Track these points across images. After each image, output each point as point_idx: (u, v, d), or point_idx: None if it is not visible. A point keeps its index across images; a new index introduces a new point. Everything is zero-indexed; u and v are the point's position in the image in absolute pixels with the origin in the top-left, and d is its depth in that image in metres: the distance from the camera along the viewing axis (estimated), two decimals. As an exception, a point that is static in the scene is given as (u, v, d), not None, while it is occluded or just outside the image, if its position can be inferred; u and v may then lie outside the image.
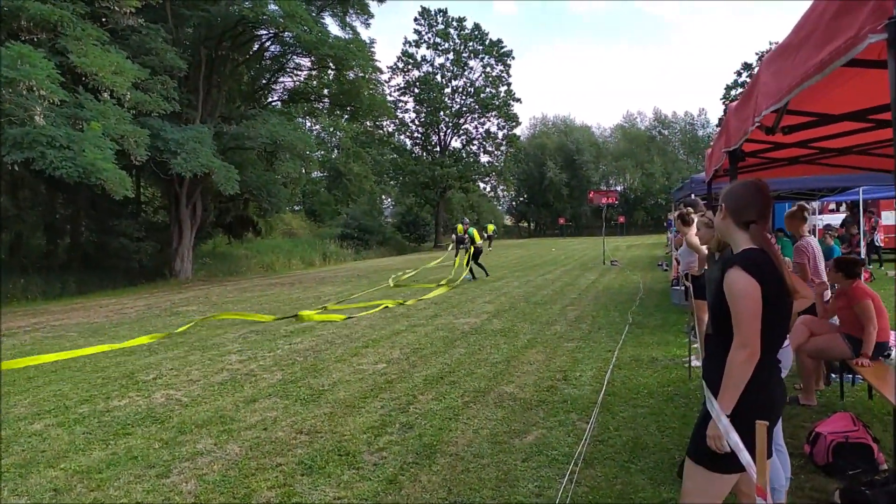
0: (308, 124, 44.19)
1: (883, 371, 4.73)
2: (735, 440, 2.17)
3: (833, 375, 5.89)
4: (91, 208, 23.43)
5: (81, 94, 15.58)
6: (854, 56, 1.38)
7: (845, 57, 1.41)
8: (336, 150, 54.78)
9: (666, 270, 17.71)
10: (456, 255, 19.86)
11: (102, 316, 13.41)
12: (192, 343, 9.43)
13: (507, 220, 76.59)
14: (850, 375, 5.67)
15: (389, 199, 63.91)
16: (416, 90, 51.95)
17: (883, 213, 17.32)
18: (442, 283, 16.93)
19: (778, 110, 2.20)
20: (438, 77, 52.54)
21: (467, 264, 18.23)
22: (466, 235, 18.36)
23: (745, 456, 2.14)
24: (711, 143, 5.36)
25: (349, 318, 11.37)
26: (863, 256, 12.15)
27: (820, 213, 17.33)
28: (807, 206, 6.06)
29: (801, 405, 5.16)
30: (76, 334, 10.84)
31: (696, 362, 6.47)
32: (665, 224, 38.77)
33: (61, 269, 21.59)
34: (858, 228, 13.76)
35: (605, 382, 6.18)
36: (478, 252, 18.37)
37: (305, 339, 9.34)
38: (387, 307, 12.68)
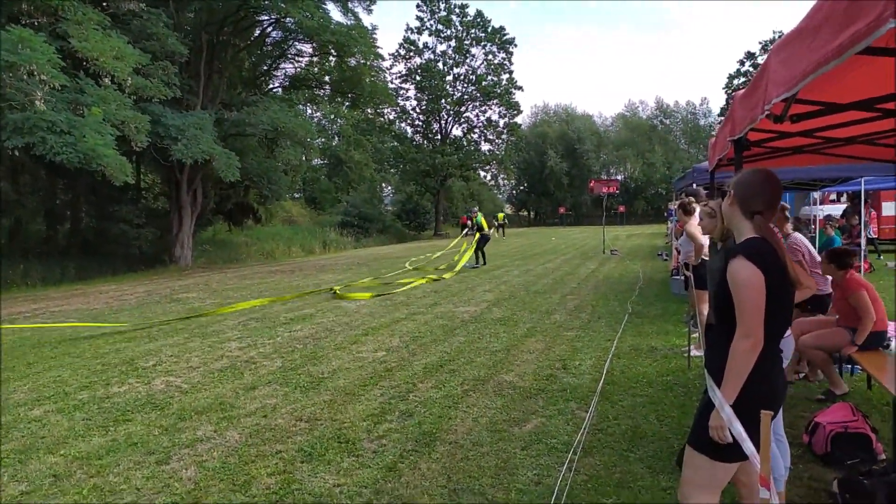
0: (309, 111, 44.08)
1: (882, 361, 4.72)
2: (738, 430, 2.16)
3: (833, 366, 5.89)
4: (91, 194, 23.42)
5: (82, 80, 15.49)
6: (872, 41, 1.35)
7: (864, 42, 1.38)
8: (337, 138, 54.59)
9: (666, 260, 17.71)
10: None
11: (102, 302, 13.42)
12: (192, 330, 9.44)
13: (508, 209, 76.48)
14: (850, 366, 5.67)
15: (390, 188, 63.81)
16: (418, 77, 51.68)
17: (883, 204, 17.27)
18: (442, 266, 17.22)
19: (787, 99, 2.17)
20: (440, 64, 52.24)
21: (476, 251, 18.49)
22: (475, 223, 18.63)
23: (748, 446, 2.13)
24: (713, 133, 5.32)
25: (377, 295, 12.21)
26: (863, 247, 12.11)
27: (821, 204, 17.29)
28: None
29: (838, 396, 5.12)
30: (76, 320, 10.84)
31: (696, 352, 6.47)
32: (665, 214, 38.74)
33: (61, 254, 21.58)
34: (859, 219, 13.72)
35: (605, 371, 6.18)
36: (484, 239, 18.57)
37: (305, 327, 9.34)
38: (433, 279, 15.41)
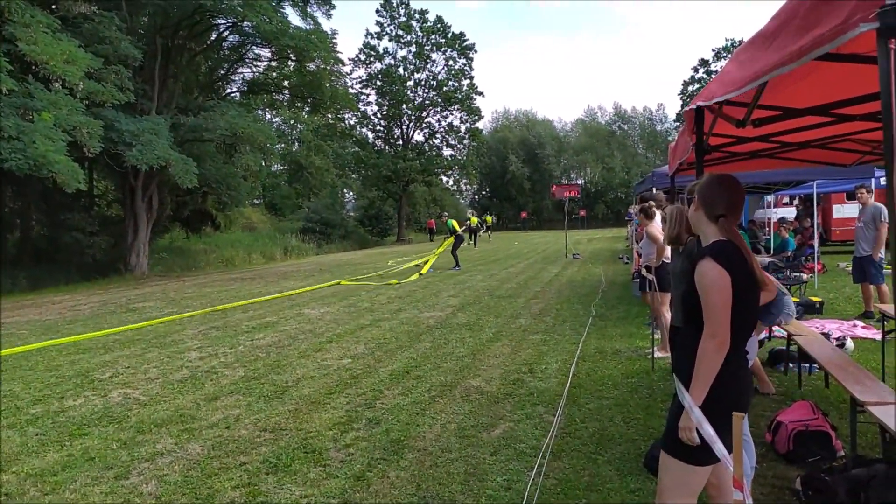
0: (268, 116, 43.53)
1: (840, 359, 4.85)
2: (709, 432, 2.18)
3: (791, 365, 6.05)
4: (42, 202, 22.66)
5: (31, 84, 14.99)
6: (838, 45, 1.34)
7: (830, 45, 1.37)
8: (297, 143, 54.00)
9: (627, 263, 17.97)
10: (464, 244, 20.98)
11: (55, 313, 12.98)
12: (150, 340, 9.19)
13: (470, 214, 76.69)
14: (807, 365, 5.82)
15: (351, 193, 63.40)
16: (379, 83, 51.45)
17: (834, 207, 17.84)
18: (423, 270, 18.29)
19: (720, 102, 2.19)
20: (401, 70, 52.12)
21: (451, 253, 19.22)
22: (449, 226, 19.76)
23: (719, 447, 2.15)
24: (671, 139, 5.42)
25: (398, 284, 14.83)
26: (816, 248, 12.48)
27: (774, 207, 17.79)
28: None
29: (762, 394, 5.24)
30: (27, 332, 10.46)
31: (659, 353, 6.56)
32: (626, 217, 39.31)
33: (11, 264, 20.81)
34: (811, 221, 14.15)
35: (571, 374, 6.23)
36: (458, 242, 19.43)
37: (267, 335, 9.19)
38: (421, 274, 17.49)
